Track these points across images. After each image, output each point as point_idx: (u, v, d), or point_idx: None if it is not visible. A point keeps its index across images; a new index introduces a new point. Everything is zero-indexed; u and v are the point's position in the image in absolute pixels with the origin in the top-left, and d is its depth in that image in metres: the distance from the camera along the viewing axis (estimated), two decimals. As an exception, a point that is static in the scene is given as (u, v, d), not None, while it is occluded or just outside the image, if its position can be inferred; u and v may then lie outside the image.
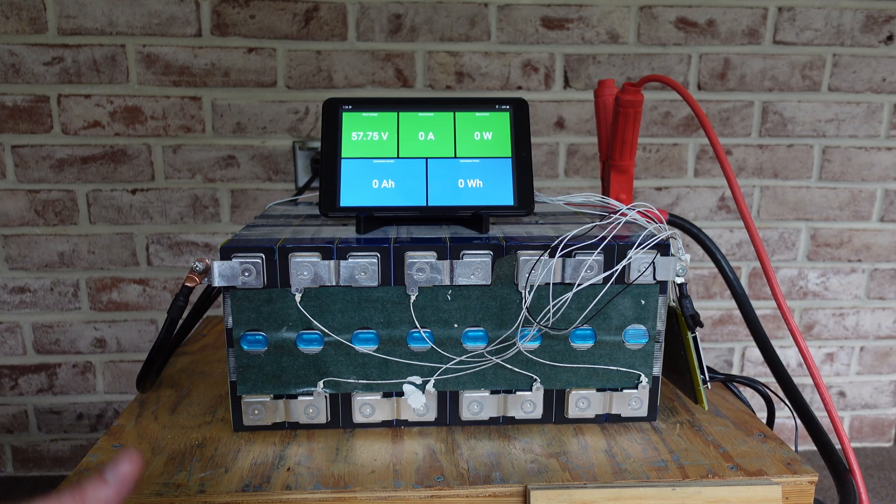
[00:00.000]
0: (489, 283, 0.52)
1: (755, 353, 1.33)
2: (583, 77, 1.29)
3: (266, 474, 0.49)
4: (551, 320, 0.53)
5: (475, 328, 0.53)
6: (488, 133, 0.59)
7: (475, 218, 0.56)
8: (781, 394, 0.57)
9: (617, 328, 0.54)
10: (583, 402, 0.55)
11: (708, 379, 0.60)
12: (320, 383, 0.53)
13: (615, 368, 0.55)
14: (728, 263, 0.61)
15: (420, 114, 0.60)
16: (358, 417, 0.54)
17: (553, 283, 0.52)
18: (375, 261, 0.51)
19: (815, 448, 0.52)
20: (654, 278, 0.53)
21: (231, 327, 0.52)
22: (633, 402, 0.56)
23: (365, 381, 0.54)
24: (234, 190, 1.22)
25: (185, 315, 0.66)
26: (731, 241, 1.30)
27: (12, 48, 1.15)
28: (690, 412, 0.59)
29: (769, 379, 1.07)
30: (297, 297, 0.52)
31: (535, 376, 0.54)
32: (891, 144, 1.28)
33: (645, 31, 1.26)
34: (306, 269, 0.51)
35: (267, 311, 0.52)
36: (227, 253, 0.51)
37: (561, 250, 0.51)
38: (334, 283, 0.51)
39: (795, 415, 0.54)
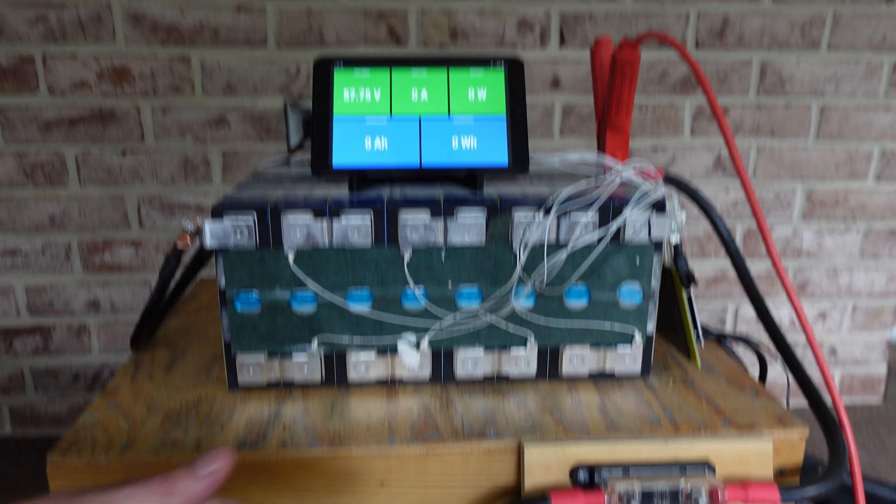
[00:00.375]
0: (483, 242, 0.52)
1: (748, 311, 1.34)
2: (579, 35, 1.27)
3: (262, 432, 0.49)
4: (545, 278, 0.52)
5: (469, 287, 0.53)
6: (482, 91, 0.58)
7: (469, 177, 0.56)
8: (774, 351, 0.57)
9: (611, 287, 0.54)
10: (577, 360, 0.56)
11: (701, 336, 0.60)
12: (314, 342, 0.53)
13: (609, 326, 0.55)
14: (723, 222, 0.61)
15: (413, 72, 0.59)
16: (353, 376, 0.55)
17: (548, 242, 0.52)
18: (369, 220, 0.51)
19: (806, 405, 0.53)
20: (650, 237, 0.52)
21: (224, 288, 0.52)
22: (627, 359, 0.56)
23: (359, 340, 0.54)
24: (226, 151, 1.20)
25: (178, 276, 0.65)
26: (726, 201, 1.29)
27: (-5, 5, 1.12)
28: (683, 369, 0.60)
29: (762, 337, 1.08)
30: (291, 258, 0.51)
31: (529, 334, 0.54)
32: (889, 104, 1.26)
33: (642, -13, 1.24)
34: (299, 228, 0.51)
35: (260, 271, 0.52)
36: (217, 212, 0.50)
37: (556, 209, 0.51)
38: (327, 244, 0.51)
39: (788, 371, 0.55)
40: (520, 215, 0.51)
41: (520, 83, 0.59)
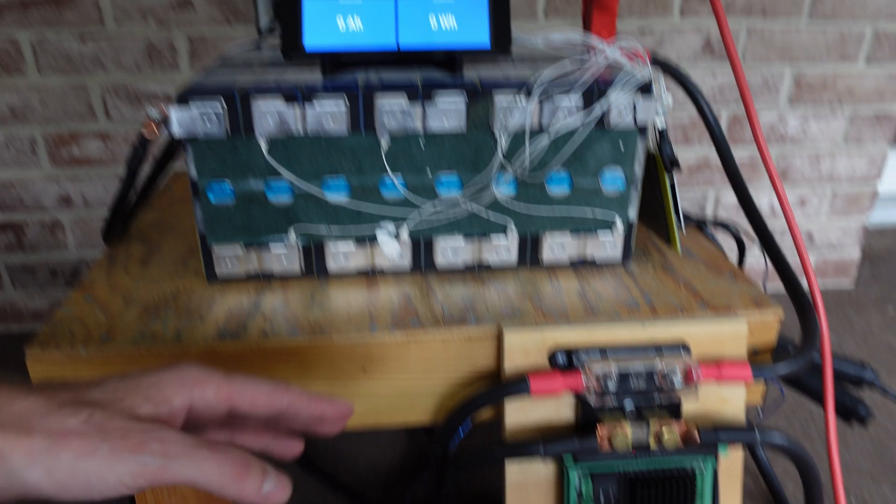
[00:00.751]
0: (463, 128, 0.50)
1: (728, 199, 1.34)
2: None
3: (242, 322, 0.49)
4: (527, 165, 0.51)
5: (449, 174, 0.52)
6: (462, -35, 0.54)
7: (448, 60, 0.53)
8: (753, 236, 0.57)
9: (594, 173, 0.53)
10: (557, 247, 0.55)
11: (682, 222, 0.60)
12: (292, 233, 0.52)
13: (591, 213, 0.54)
14: (709, 106, 0.59)
15: (387, -59, 0.54)
16: (332, 266, 0.54)
17: (530, 127, 0.50)
18: (343, 106, 0.48)
19: (781, 290, 0.53)
20: (635, 121, 0.51)
21: (195, 178, 0.50)
22: (608, 245, 0.56)
23: (338, 230, 0.53)
24: (192, 36, 1.13)
25: (150, 168, 0.63)
26: (713, 85, 1.26)
27: None
28: (664, 255, 0.60)
29: (742, 225, 1.09)
30: (264, 146, 0.49)
31: (510, 222, 0.54)
32: (885, -20, 1.21)
33: None
34: (271, 115, 0.48)
35: (232, 161, 0.50)
36: (183, 99, 0.47)
37: (538, 92, 0.49)
38: (301, 131, 0.49)
39: (766, 255, 0.55)
40: (501, 99, 0.49)
41: (501, -45, 0.54)
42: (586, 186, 0.53)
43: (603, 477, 0.48)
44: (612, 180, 0.53)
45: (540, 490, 0.49)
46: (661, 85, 0.51)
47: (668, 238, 0.61)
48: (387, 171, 0.51)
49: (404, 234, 0.53)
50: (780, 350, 0.53)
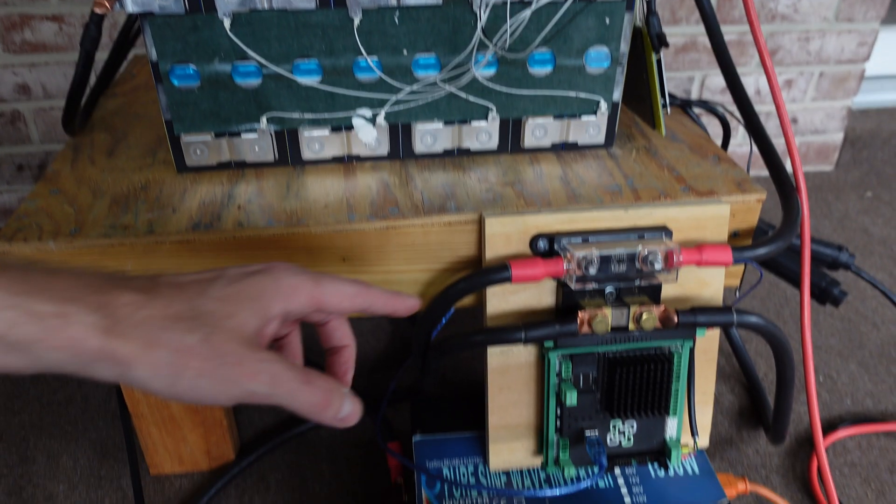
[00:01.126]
0: (440, 1, 0.46)
1: (714, 82, 1.31)
2: None
3: (216, 213, 0.48)
4: (508, 42, 0.48)
5: (426, 54, 0.49)
6: None
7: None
8: (738, 117, 0.56)
9: (578, 51, 0.50)
10: (539, 131, 0.54)
11: (668, 103, 0.58)
12: (263, 119, 0.50)
13: (574, 94, 0.52)
14: (701, -22, 0.55)
15: None
16: (307, 154, 0.52)
17: (511, 1, 0.47)
18: (311, -22, 0.45)
19: (764, 174, 0.53)
20: (622, -8, 0.48)
21: (156, 60, 0.47)
22: (591, 129, 0.54)
23: (311, 116, 0.50)
24: None
25: (109, 51, 0.59)
26: (703, -40, 1.20)
27: None
28: (647, 138, 0.58)
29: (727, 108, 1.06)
30: (227, 23, 0.46)
31: (490, 105, 0.52)
32: None
33: None
34: (232, -11, 0.45)
35: (194, 40, 0.46)
36: (134, -30, 0.43)
37: (521, -40, 0.45)
38: (266, 5, 0.45)
39: (750, 137, 0.54)
40: (480, -31, 0.45)
41: None
42: (570, 65, 0.51)
43: (582, 359, 0.48)
44: (596, 59, 0.51)
45: (521, 373, 0.51)
46: (652, -47, 0.47)
47: (652, 121, 0.59)
48: (360, 50, 0.48)
49: (381, 119, 0.51)
50: (759, 233, 0.53)
